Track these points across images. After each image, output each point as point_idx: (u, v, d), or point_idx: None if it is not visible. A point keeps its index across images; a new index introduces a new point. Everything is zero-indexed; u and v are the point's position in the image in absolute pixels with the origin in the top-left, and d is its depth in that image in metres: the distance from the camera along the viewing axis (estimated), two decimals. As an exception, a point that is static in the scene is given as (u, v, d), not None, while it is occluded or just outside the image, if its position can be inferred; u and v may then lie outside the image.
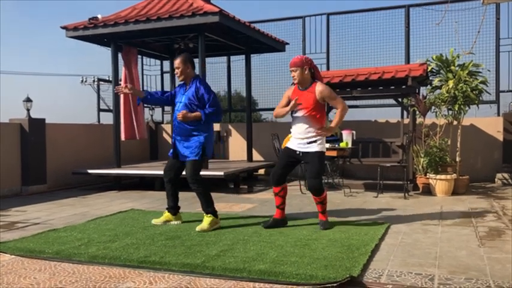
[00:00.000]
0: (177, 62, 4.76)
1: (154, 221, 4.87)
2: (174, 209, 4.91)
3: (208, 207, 4.65)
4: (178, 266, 3.35)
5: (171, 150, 4.85)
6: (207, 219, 4.58)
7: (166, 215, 4.91)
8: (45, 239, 4.22)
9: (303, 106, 4.45)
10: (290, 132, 4.68)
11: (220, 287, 2.97)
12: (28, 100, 7.80)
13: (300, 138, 4.50)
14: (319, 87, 4.47)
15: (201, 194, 4.68)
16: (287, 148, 4.65)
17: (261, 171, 9.60)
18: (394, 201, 6.29)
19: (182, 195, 5.11)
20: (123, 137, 8.69)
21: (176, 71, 4.79)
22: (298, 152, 4.52)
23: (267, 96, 10.75)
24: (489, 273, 3.12)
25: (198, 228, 4.49)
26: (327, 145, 7.04)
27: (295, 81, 4.53)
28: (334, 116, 4.64)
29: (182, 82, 4.88)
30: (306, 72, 4.48)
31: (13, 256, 3.74)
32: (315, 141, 4.47)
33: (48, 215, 5.60)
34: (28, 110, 7.79)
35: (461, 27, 8.94)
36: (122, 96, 8.57)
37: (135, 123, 8.79)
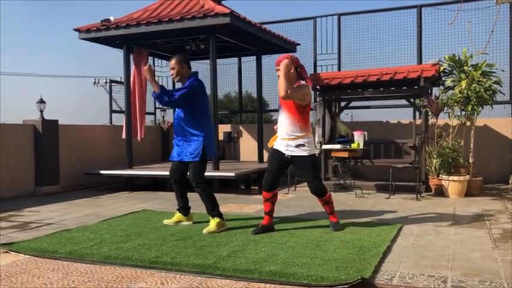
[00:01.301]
0: (173, 62, 4.76)
1: (166, 222, 4.90)
2: (184, 209, 4.94)
3: (214, 210, 4.63)
4: (190, 266, 3.36)
5: (173, 153, 4.86)
6: (213, 222, 4.57)
7: (178, 215, 4.94)
8: (58, 239, 4.26)
9: (285, 107, 4.40)
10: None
11: (232, 288, 2.97)
12: (41, 102, 7.89)
13: (287, 139, 4.40)
14: (297, 87, 4.34)
15: (205, 196, 4.66)
16: (275, 150, 4.51)
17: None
18: (406, 202, 6.24)
19: (193, 196, 5.13)
20: (123, 136, 8.78)
21: (172, 71, 4.79)
22: (286, 155, 4.43)
23: (277, 97, 10.70)
24: (503, 276, 3.08)
25: (205, 230, 4.48)
26: (338, 146, 7.04)
27: None
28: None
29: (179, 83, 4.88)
30: (292, 71, 4.39)
31: (27, 256, 3.78)
32: (302, 145, 4.36)
33: (61, 215, 5.65)
34: (41, 111, 7.88)
35: (475, 27, 8.84)
36: (137, 98, 8.69)
37: (138, 125, 8.85)
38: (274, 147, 4.54)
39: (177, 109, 4.81)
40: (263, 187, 4.55)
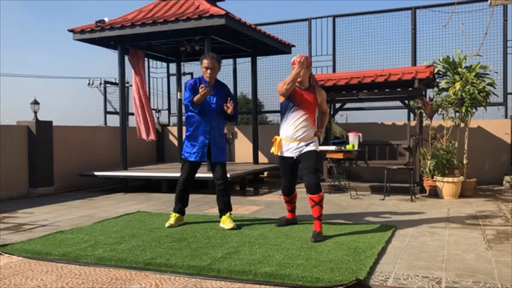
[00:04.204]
0: (213, 61, 4.68)
1: (168, 224, 4.80)
2: (183, 210, 5.00)
3: (230, 204, 4.86)
4: (185, 268, 3.36)
5: (200, 153, 4.76)
6: (230, 218, 4.74)
7: (178, 216, 4.90)
8: (52, 240, 4.24)
9: (304, 106, 4.41)
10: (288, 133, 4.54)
11: (226, 290, 2.97)
12: (35, 103, 7.86)
13: (297, 140, 4.41)
14: (321, 92, 4.57)
15: (227, 191, 4.82)
16: (284, 158, 4.55)
17: (267, 173, 9.60)
18: (401, 203, 6.26)
19: (191, 197, 5.14)
20: (145, 137, 8.92)
21: (209, 71, 4.67)
22: (295, 158, 4.47)
23: (273, 99, 10.76)
24: (497, 277, 3.10)
25: (231, 226, 4.62)
26: (333, 147, 7.06)
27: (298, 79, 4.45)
28: (322, 119, 4.76)
29: (203, 80, 4.77)
30: (309, 73, 4.51)
31: (20, 258, 3.76)
32: (311, 143, 4.45)
33: (55, 216, 5.62)
34: (35, 112, 7.84)
35: (468, 29, 8.91)
36: (136, 98, 8.79)
37: (150, 125, 8.93)
38: (281, 155, 4.54)
39: (213, 111, 4.75)
40: (282, 193, 4.78)
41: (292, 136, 4.44)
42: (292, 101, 4.43)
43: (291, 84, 4.32)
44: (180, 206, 4.94)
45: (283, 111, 4.52)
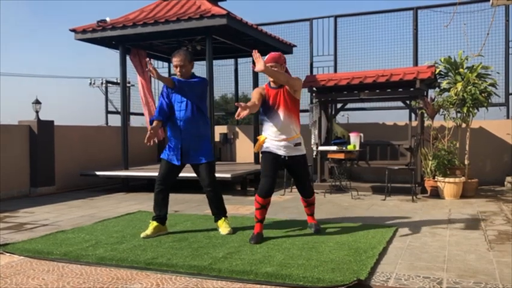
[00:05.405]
0: (181, 58, 4.44)
1: (145, 234, 4.37)
2: (164, 218, 4.54)
3: (224, 207, 4.66)
4: (185, 268, 3.36)
5: (174, 156, 4.53)
6: (225, 223, 4.55)
7: (157, 225, 4.45)
8: (53, 240, 4.25)
9: (282, 105, 4.20)
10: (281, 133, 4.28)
11: (227, 290, 2.97)
12: (37, 102, 7.87)
13: (285, 140, 4.22)
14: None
15: (217, 196, 4.60)
16: (271, 154, 4.23)
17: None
18: (402, 204, 6.25)
19: (192, 197, 5.14)
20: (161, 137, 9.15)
21: (179, 69, 4.45)
22: (283, 157, 4.25)
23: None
24: (498, 277, 3.09)
25: (226, 232, 4.43)
26: (334, 148, 7.06)
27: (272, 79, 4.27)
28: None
29: (175, 79, 4.53)
30: (283, 70, 4.28)
31: (22, 257, 3.77)
32: (300, 143, 4.31)
33: (56, 216, 5.63)
34: (37, 112, 7.86)
35: (470, 29, 8.89)
36: (143, 98, 8.90)
37: None
38: (268, 150, 4.27)
39: (182, 109, 4.46)
40: (261, 194, 4.18)
41: (278, 137, 4.24)
42: (268, 103, 4.24)
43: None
44: (157, 213, 4.50)
45: (263, 114, 4.31)
